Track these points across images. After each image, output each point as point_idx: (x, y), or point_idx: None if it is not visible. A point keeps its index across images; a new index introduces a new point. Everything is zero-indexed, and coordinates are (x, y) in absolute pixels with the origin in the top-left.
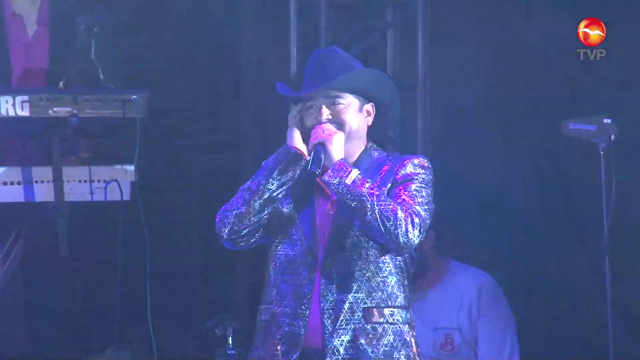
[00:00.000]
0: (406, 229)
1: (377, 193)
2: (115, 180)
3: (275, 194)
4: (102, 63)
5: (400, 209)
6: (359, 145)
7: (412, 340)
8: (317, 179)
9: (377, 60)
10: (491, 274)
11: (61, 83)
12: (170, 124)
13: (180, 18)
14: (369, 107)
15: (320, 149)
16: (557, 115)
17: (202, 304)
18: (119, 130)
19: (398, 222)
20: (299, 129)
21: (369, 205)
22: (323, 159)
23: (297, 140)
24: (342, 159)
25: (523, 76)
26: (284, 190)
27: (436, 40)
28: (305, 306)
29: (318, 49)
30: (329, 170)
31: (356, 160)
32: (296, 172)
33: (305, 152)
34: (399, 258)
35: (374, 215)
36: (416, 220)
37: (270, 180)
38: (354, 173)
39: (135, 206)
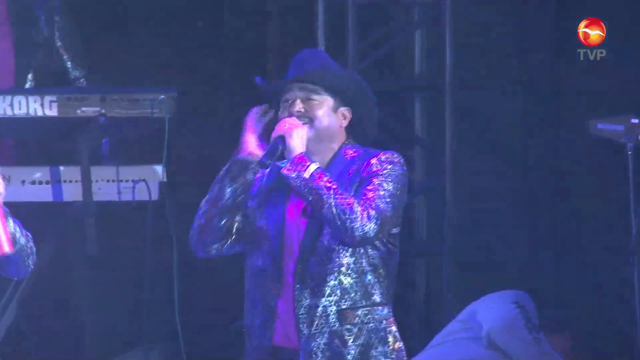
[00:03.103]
0: (362, 222)
1: (335, 187)
2: (144, 180)
3: (229, 201)
4: (68, 52)
5: (357, 203)
6: (331, 147)
7: (390, 335)
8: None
9: (404, 61)
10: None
11: (30, 77)
12: (197, 123)
13: (203, 19)
14: (344, 110)
15: (279, 141)
16: (584, 116)
17: (230, 302)
18: (147, 130)
19: (354, 216)
20: (257, 131)
21: (325, 199)
22: (279, 151)
23: (249, 145)
24: (302, 153)
25: (551, 75)
26: (239, 196)
27: (464, 40)
28: (272, 319)
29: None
30: (288, 164)
31: (328, 162)
32: (247, 178)
33: (259, 156)
34: (374, 255)
35: (330, 209)
36: (372, 212)
37: (222, 188)
38: (313, 167)
39: (163, 206)
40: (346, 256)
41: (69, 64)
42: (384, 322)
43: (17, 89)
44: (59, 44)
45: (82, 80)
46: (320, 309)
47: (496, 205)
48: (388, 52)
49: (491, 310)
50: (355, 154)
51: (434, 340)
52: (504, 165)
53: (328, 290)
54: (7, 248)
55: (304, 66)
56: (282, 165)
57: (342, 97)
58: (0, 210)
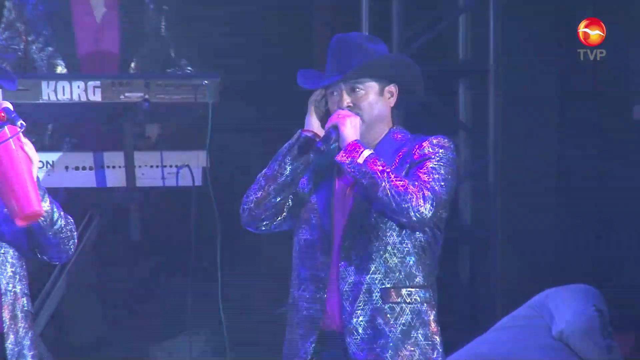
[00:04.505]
0: (417, 203)
1: (389, 170)
2: (187, 165)
3: (289, 179)
4: (174, 41)
5: (412, 185)
6: (382, 129)
7: (431, 319)
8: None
9: (449, 46)
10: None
11: (132, 65)
12: (242, 108)
13: (249, 4)
14: (391, 88)
15: (332, 130)
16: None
17: (274, 288)
18: (190, 115)
19: (409, 197)
20: (318, 114)
21: (380, 183)
22: (334, 139)
23: (312, 125)
24: (355, 140)
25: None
26: (298, 175)
27: (508, 25)
28: (322, 291)
29: (337, 34)
30: (342, 151)
31: (377, 143)
32: (309, 157)
33: (321, 136)
34: (420, 238)
35: (385, 192)
36: (427, 194)
37: (283, 165)
38: (366, 153)
39: (206, 191)
40: (392, 236)
41: (173, 54)
42: (425, 304)
43: (59, 74)
44: (165, 33)
45: (188, 69)
46: (364, 286)
47: (541, 189)
48: (433, 37)
49: (569, 307)
50: (405, 137)
51: (500, 322)
52: (549, 151)
53: (373, 268)
54: (37, 207)
55: (344, 60)
56: (333, 146)
57: (384, 77)
58: (30, 171)
